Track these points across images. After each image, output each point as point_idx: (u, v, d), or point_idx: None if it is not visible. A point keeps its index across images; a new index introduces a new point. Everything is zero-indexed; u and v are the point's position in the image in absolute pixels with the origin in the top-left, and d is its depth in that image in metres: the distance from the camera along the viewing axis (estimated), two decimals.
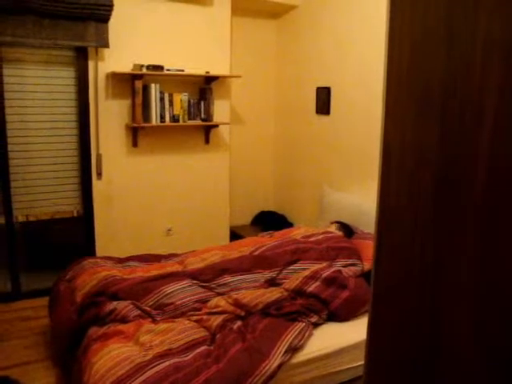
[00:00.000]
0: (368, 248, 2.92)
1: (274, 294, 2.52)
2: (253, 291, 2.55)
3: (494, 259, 0.57)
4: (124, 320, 2.30)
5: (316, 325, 2.38)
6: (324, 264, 2.74)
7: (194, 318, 2.34)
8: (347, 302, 2.47)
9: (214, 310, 2.38)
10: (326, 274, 2.61)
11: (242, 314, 2.39)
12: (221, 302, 2.44)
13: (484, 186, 0.57)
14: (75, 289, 2.60)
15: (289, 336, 2.17)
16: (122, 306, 2.36)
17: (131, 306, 2.39)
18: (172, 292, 2.50)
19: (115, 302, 2.39)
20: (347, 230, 3.29)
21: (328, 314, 2.44)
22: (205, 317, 2.33)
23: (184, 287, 2.55)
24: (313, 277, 2.60)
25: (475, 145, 0.58)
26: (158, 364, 1.95)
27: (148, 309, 2.40)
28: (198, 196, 4.08)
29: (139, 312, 2.37)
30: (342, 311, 2.45)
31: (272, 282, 2.69)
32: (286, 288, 2.59)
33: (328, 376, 2.26)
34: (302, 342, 2.20)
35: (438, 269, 0.64)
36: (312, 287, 2.55)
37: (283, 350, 2.09)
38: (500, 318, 0.57)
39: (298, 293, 2.55)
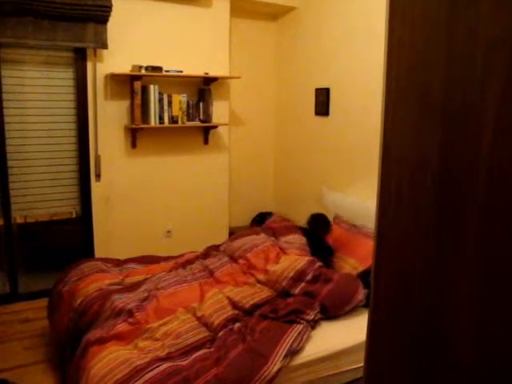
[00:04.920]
0: (365, 246, 2.94)
1: (263, 292, 2.60)
2: (243, 289, 2.62)
3: (496, 259, 0.56)
4: (120, 313, 2.33)
5: (314, 322, 2.38)
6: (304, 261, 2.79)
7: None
8: (332, 294, 2.52)
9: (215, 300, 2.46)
10: (310, 274, 2.64)
11: (236, 312, 2.41)
12: (218, 295, 2.51)
13: (485, 187, 0.57)
14: (76, 293, 2.59)
15: (288, 339, 2.16)
16: (119, 302, 2.43)
17: (128, 300, 2.46)
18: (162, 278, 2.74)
19: (115, 296, 2.47)
20: (322, 221, 3.35)
21: (320, 305, 2.47)
22: (207, 312, 2.36)
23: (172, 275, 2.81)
24: (298, 278, 2.64)
25: (476, 145, 0.57)
26: (157, 367, 1.94)
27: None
28: (198, 197, 4.07)
29: (136, 303, 2.42)
30: (329, 302, 2.47)
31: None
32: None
33: (327, 378, 2.25)
34: (301, 344, 2.19)
35: (439, 269, 0.63)
36: (298, 289, 2.60)
37: (283, 354, 2.08)
38: (501, 318, 0.56)
39: (285, 294, 2.60)
